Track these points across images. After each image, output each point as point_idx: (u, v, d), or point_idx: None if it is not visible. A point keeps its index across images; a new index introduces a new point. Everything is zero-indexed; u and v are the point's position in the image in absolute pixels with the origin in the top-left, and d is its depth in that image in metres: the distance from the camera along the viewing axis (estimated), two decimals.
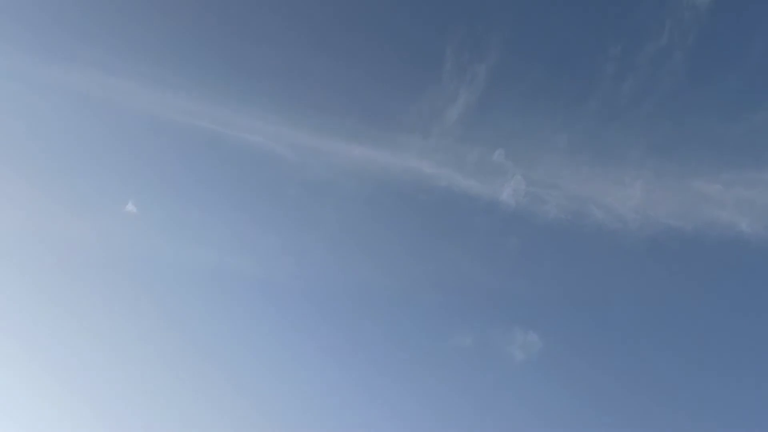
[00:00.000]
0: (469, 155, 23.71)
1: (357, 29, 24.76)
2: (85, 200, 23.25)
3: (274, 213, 23.74)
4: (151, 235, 23.31)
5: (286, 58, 24.63)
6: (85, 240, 23.40)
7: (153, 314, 23.07)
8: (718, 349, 22.96)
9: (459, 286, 24.03)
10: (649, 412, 22.49)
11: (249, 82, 24.41)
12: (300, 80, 24.63)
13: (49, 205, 23.41)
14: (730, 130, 23.07)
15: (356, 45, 24.78)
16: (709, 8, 22.74)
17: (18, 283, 22.88)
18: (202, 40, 24.66)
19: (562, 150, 23.60)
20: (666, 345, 23.24)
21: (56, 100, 24.00)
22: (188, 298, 23.17)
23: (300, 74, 24.71)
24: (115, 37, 24.21)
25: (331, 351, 23.31)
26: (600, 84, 23.58)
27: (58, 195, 23.52)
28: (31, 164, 23.61)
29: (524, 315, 23.60)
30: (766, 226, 21.93)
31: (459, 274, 23.80)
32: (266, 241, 23.31)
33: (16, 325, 22.24)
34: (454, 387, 23.11)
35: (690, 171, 22.88)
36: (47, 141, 23.98)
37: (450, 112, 23.54)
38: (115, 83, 23.53)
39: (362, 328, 23.46)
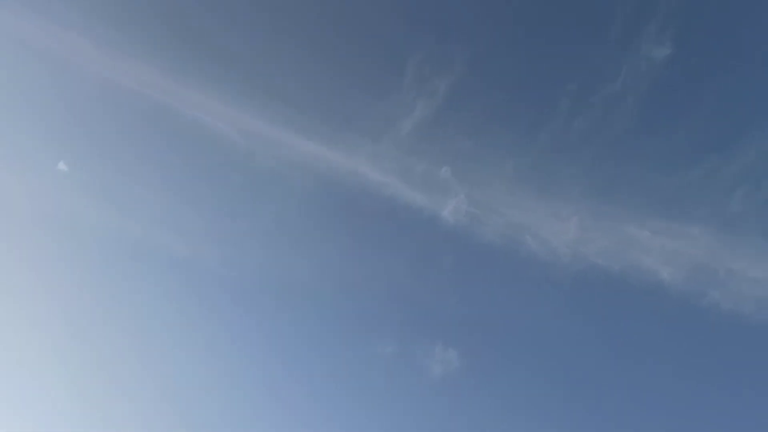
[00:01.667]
0: (416, 167, 23.91)
1: (327, 27, 24.57)
2: (17, 156, 22.35)
3: (211, 194, 23.36)
4: (79, 195, 22.59)
5: (251, 43, 24.22)
6: (12, 195, 22.52)
7: (71, 273, 22.54)
8: (623, 383, 23.95)
9: (388, 295, 24.21)
10: None
11: (209, 60, 23.86)
12: (261, 67, 24.26)
13: None
14: (666, 182, 24.01)
15: (324, 42, 24.60)
16: (664, 62, 23.58)
17: None
18: (164, 4, 24.02)
19: (508, 177, 24.07)
20: (578, 378, 24.08)
21: None
22: (107, 263, 22.63)
23: (262, 61, 24.34)
24: None
25: (243, 341, 23.13)
26: (553, 118, 24.15)
27: None
28: None
29: (447, 332, 23.96)
30: (684, 278, 22.94)
31: (389, 284, 23.98)
32: (196, 221, 22.92)
33: None
34: (367, 393, 23.29)
35: (623, 215, 23.72)
36: None
37: (405, 122, 23.66)
38: (56, 37, 22.57)
39: (282, 322, 23.36)
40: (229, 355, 22.61)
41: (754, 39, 23.49)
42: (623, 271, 23.31)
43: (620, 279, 23.42)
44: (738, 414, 22.24)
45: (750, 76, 23.58)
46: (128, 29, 23.26)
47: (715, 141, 24.16)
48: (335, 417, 22.87)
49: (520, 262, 23.56)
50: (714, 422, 22.18)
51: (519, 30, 24.56)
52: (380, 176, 23.29)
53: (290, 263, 23.01)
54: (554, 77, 24.52)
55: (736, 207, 23.00)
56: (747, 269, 22.66)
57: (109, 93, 22.78)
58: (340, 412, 23.15)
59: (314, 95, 23.92)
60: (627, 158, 24.77)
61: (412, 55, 23.67)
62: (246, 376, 22.70)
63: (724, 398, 22.67)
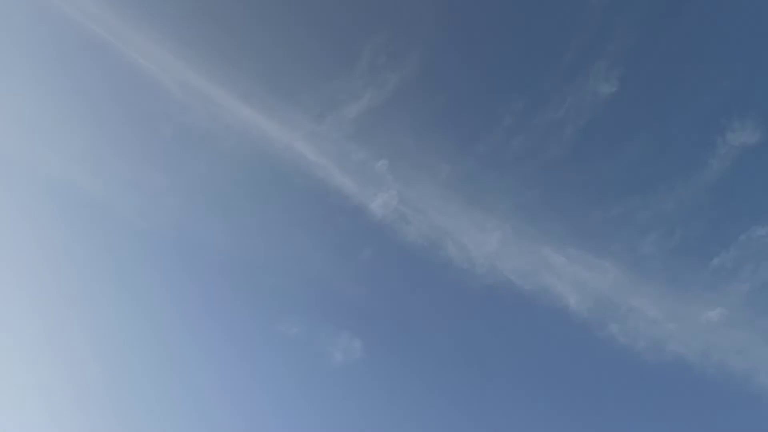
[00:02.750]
0: (354, 155, 23.78)
1: None
2: None
3: (139, 141, 22.41)
4: None
5: None
6: None
7: None
8: (516, 392, 24.64)
9: (300, 275, 23.95)
10: None
11: (162, 3, 22.98)
12: (215, 25, 23.47)
13: None
14: (588, 214, 24.87)
15: (282, 11, 24.11)
16: (607, 99, 24.41)
17: None
18: None
19: (441, 181, 24.31)
20: (475, 383, 24.59)
21: None
22: (15, 193, 21.39)
23: (217, 19, 23.56)
24: None
25: (143, 296, 22.34)
26: (494, 132, 24.58)
27: None
28: None
29: (355, 321, 23.94)
30: (589, 308, 23.82)
31: (304, 264, 23.73)
32: (119, 166, 21.92)
33: None
34: (262, 369, 22.96)
35: (543, 238, 24.40)
36: None
37: (350, 108, 23.49)
38: None
39: (187, 282, 22.72)
40: (125, 307, 21.80)
41: (692, 95, 24.69)
42: (534, 292, 23.97)
43: (530, 298, 24.08)
44: None
45: (683, 129, 24.76)
46: None
47: (639, 184, 25.23)
48: (227, 389, 22.44)
49: (437, 265, 23.84)
50: None
51: (477, 40, 24.87)
52: (315, 156, 23.04)
53: (205, 225, 22.41)
54: (502, 93, 24.98)
55: (646, 249, 24.09)
56: (646, 309, 23.76)
57: (44, 19, 21.54)
58: (232, 384, 22.74)
59: (263, 63, 23.41)
60: (556, 184, 25.50)
61: (370, 43, 23.54)
62: (140, 331, 21.94)
63: (607, 419, 23.69)
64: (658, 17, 24.19)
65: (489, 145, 24.67)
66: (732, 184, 24.34)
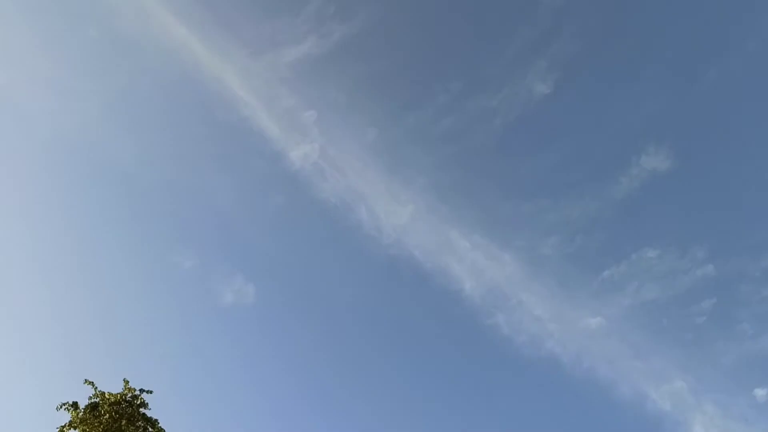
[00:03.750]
0: (283, 100, 23.33)
1: None
2: None
3: (60, 42, 21.13)
4: None
5: None
6: None
7: None
8: (391, 358, 25.31)
9: (204, 210, 23.49)
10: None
11: None
12: None
13: None
14: (501, 206, 25.54)
15: None
16: (540, 99, 24.92)
17: None
18: None
19: (367, 144, 24.26)
20: (354, 339, 25.05)
21: None
22: None
23: None
24: None
25: (33, 203, 21.35)
26: (427, 107, 24.69)
27: None
28: None
29: (252, 267, 23.79)
30: (482, 295, 24.58)
31: (210, 200, 23.27)
32: (33, 62, 20.58)
33: None
34: (151, 298, 22.54)
35: (454, 220, 24.88)
36: None
37: (289, 51, 22.93)
38: None
39: (85, 198, 21.86)
40: (13, 206, 20.73)
41: (619, 112, 25.60)
42: (433, 270, 24.47)
43: (428, 275, 24.57)
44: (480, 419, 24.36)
45: (603, 143, 25.69)
46: None
47: (552, 187, 26.09)
48: (108, 308, 21.87)
49: (346, 227, 23.92)
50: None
51: (430, 12, 24.80)
52: (244, 92, 22.45)
53: (115, 137, 21.48)
54: (443, 70, 25.08)
55: (546, 250, 25.02)
56: (534, 306, 24.75)
57: None
58: (114, 305, 22.18)
59: None
60: (475, 171, 26.01)
61: None
62: (25, 233, 20.95)
63: (478, 403, 24.74)
64: (603, 30, 24.84)
65: (419, 119, 24.80)
66: (636, 204, 25.56)
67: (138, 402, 8.54)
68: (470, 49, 24.69)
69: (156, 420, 8.68)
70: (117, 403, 8.46)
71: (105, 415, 8.34)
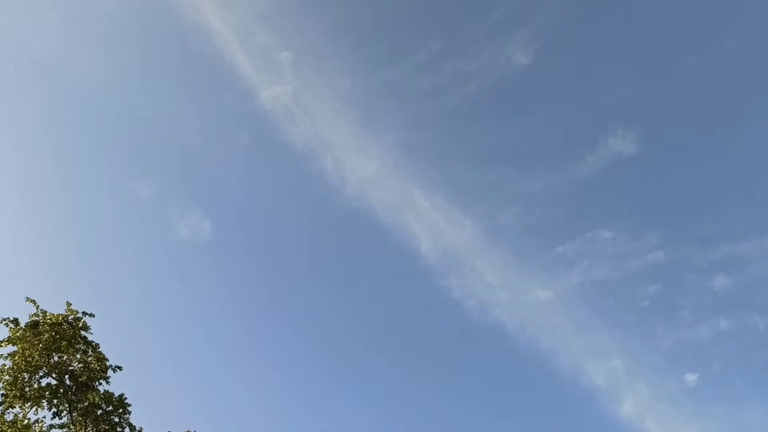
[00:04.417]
0: (260, 37, 22.78)
1: None
2: None
3: None
4: None
5: None
6: None
7: None
8: (343, 312, 25.80)
9: (167, 140, 23.06)
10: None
11: None
12: None
13: None
14: (466, 170, 25.80)
15: None
16: (518, 69, 24.96)
17: None
18: None
19: (340, 93, 24.01)
20: (316, 289, 25.38)
21: None
22: None
23: None
24: None
25: None
26: (405, 62, 24.48)
27: None
28: None
29: (210, 203, 23.62)
30: (437, 257, 25.03)
31: (174, 130, 22.83)
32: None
33: None
34: (104, 224, 22.27)
35: (419, 181, 25.05)
36: None
37: None
38: None
39: (45, 113, 21.15)
40: None
41: (593, 91, 25.85)
42: (393, 226, 24.77)
43: (387, 231, 24.88)
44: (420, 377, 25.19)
45: (574, 120, 25.99)
46: None
47: (519, 158, 26.43)
48: (63, 227, 21.51)
49: (310, 174, 23.87)
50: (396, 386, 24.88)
51: None
52: (220, 25, 21.82)
53: (81, 55, 20.72)
54: (424, 26, 24.80)
55: (505, 220, 25.52)
56: (486, 273, 25.38)
57: None
58: (68, 226, 21.82)
59: None
60: (445, 133, 26.09)
61: None
62: None
63: (424, 360, 25.52)
64: (588, 8, 24.83)
65: (396, 74, 24.58)
66: (598, 184, 26.16)
67: (79, 324, 8.53)
68: (454, 10, 24.43)
69: (97, 344, 8.70)
70: (58, 323, 8.44)
71: (45, 334, 8.32)
